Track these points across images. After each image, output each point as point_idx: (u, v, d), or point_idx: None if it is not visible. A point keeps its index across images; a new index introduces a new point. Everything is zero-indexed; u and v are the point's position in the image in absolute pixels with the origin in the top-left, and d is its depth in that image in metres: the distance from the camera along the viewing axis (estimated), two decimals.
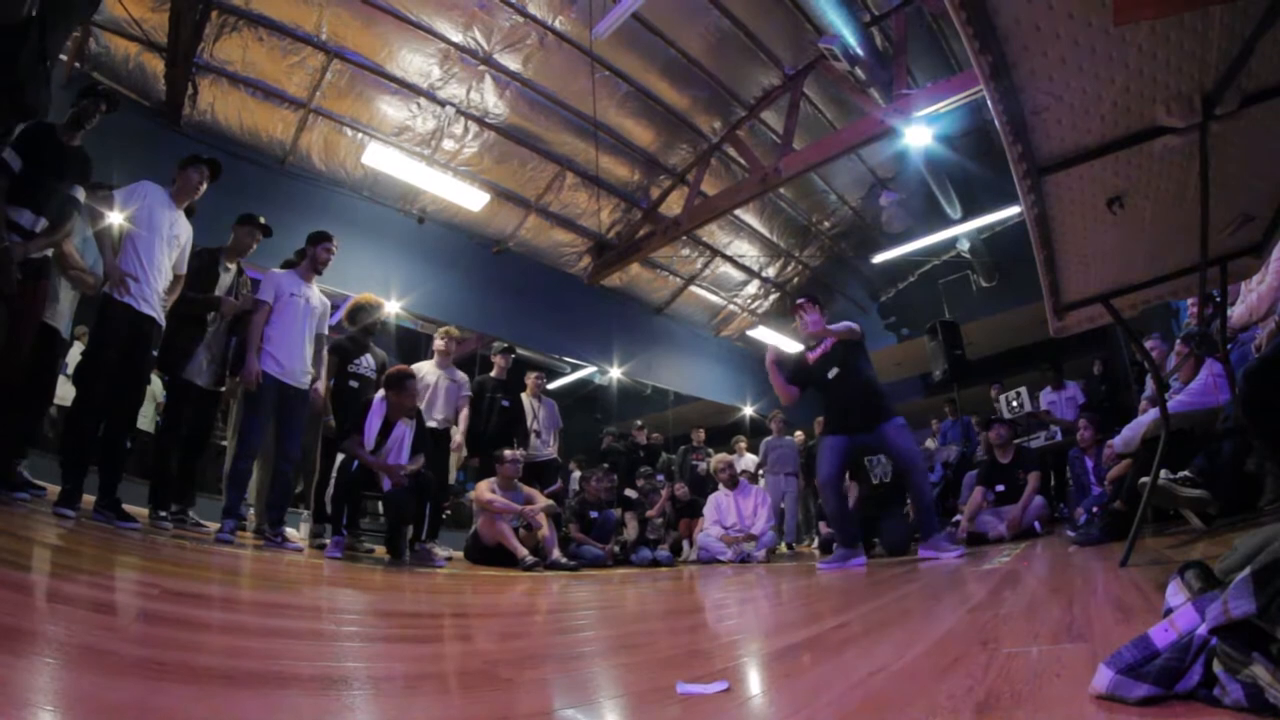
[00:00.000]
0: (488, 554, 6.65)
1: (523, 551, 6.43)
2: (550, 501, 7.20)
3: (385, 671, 1.61)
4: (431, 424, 7.12)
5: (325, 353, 6.11)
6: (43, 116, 3.23)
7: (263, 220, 5.83)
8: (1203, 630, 1.00)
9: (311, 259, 5.94)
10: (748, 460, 11.41)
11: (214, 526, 5.24)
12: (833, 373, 6.01)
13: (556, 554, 6.64)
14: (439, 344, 7.37)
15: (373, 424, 5.97)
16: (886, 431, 5.75)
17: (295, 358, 5.66)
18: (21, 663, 1.15)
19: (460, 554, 7.17)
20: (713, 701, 1.27)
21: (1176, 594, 1.24)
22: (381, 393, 6.07)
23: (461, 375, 7.55)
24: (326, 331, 6.09)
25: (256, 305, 5.61)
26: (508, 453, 7.19)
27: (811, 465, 11.19)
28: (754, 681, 1.57)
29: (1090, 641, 1.54)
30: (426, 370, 7.23)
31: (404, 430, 6.11)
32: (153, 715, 1.02)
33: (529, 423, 8.60)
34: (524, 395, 8.77)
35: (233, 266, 5.79)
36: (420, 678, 1.59)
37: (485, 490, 6.90)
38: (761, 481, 11.07)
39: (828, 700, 1.27)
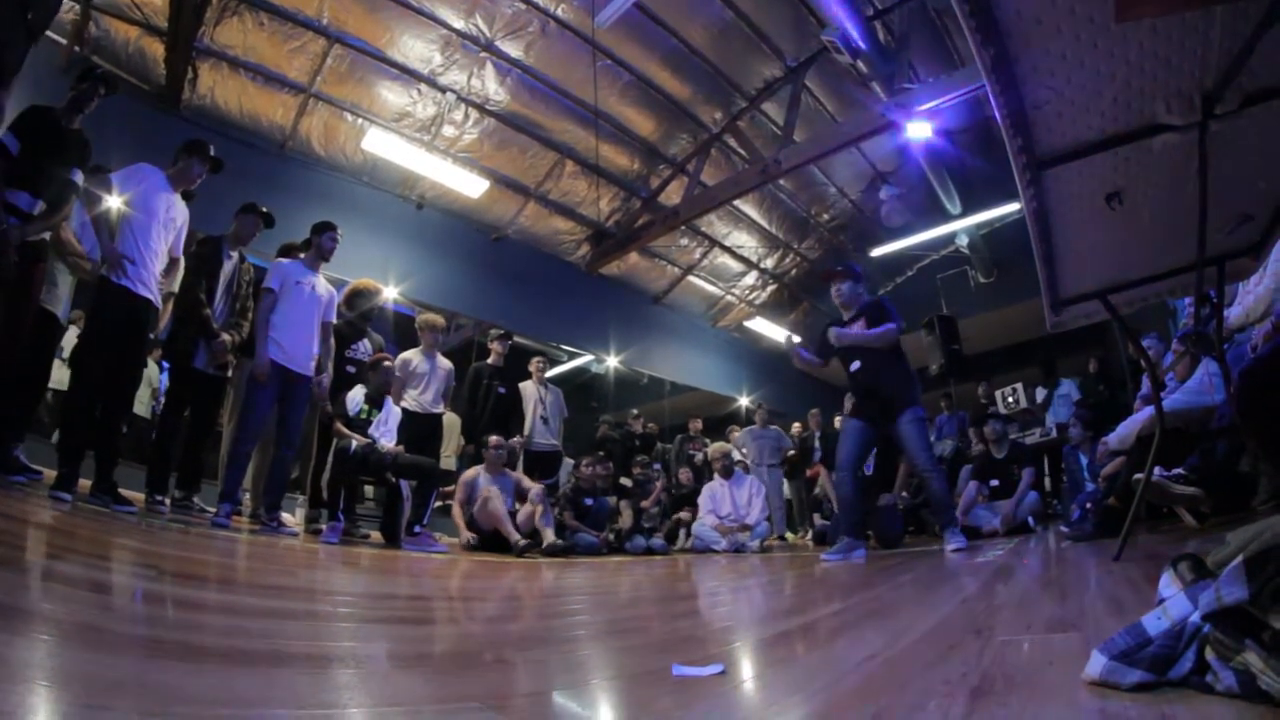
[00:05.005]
0: (483, 539, 6.67)
1: (516, 535, 6.45)
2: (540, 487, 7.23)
3: (382, 652, 1.62)
4: (438, 409, 7.22)
5: (331, 341, 6.12)
6: (13, 75, 3.18)
7: (265, 210, 5.83)
8: (1195, 618, 1.01)
9: (317, 248, 5.98)
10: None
11: (213, 511, 5.26)
12: (855, 365, 5.95)
13: (551, 536, 6.65)
14: (424, 336, 7.36)
15: (355, 399, 6.14)
16: (901, 423, 5.72)
17: (300, 344, 5.69)
18: (19, 640, 1.15)
19: (455, 539, 7.18)
20: (708, 684, 1.28)
21: (1169, 585, 1.26)
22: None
23: (447, 362, 7.53)
24: (333, 319, 6.11)
25: (263, 294, 5.66)
26: (493, 439, 7.23)
27: (807, 457, 11.23)
28: (748, 666, 1.58)
29: (1083, 632, 1.55)
30: (417, 360, 7.23)
31: (390, 408, 6.40)
32: (150, 692, 1.02)
33: (536, 410, 8.62)
34: (530, 382, 8.80)
35: (235, 254, 5.78)
36: (417, 658, 1.60)
37: (467, 483, 7.03)
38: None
39: (822, 684, 1.29)
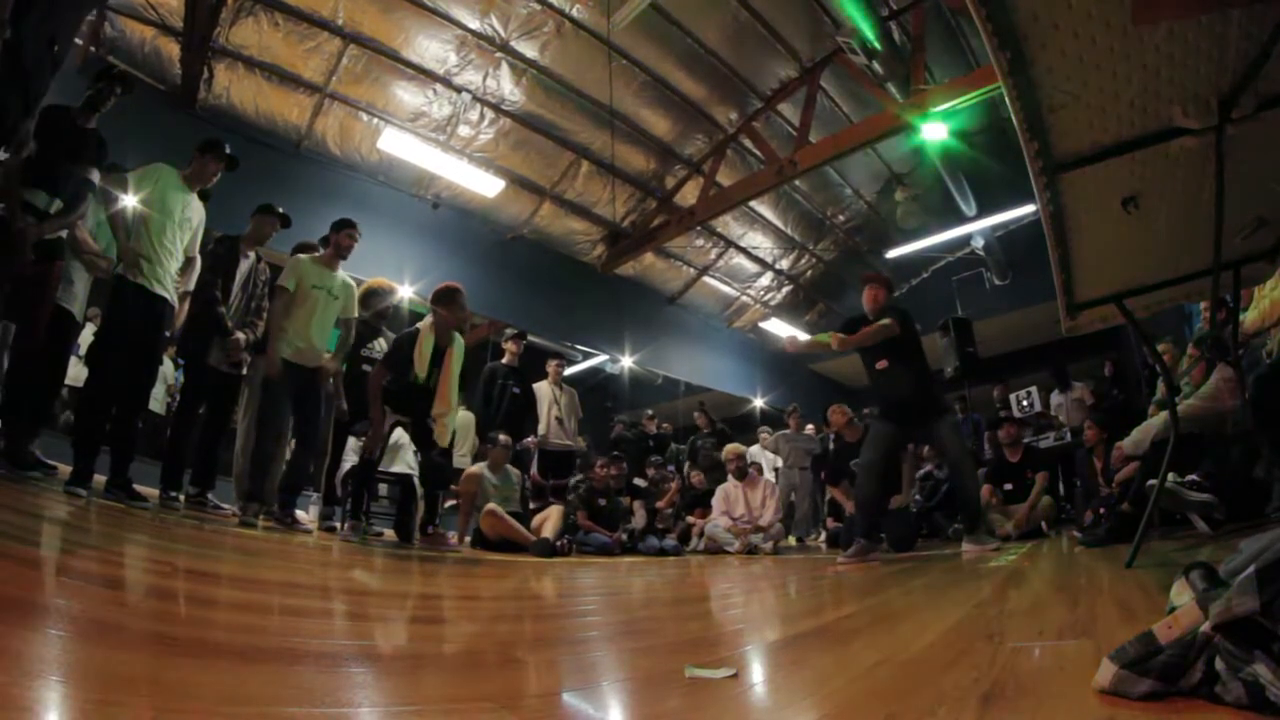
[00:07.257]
0: (491, 545, 6.68)
1: (529, 537, 6.46)
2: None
3: (395, 650, 1.63)
4: None
5: (351, 335, 6.15)
6: (39, 101, 3.24)
7: (281, 211, 5.86)
8: (1206, 628, 1.00)
9: (335, 245, 5.97)
10: (755, 451, 11.39)
11: (229, 508, 5.30)
12: (881, 364, 5.87)
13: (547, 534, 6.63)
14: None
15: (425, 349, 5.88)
16: (939, 428, 5.71)
17: (314, 342, 5.70)
18: (33, 635, 1.15)
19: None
20: (720, 686, 1.29)
21: (1181, 594, 1.25)
22: (429, 319, 6.01)
23: None
24: (356, 314, 6.13)
25: (278, 292, 5.66)
26: (502, 436, 7.24)
27: (828, 458, 11.18)
28: (760, 669, 1.58)
29: (1094, 639, 1.55)
30: None
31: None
32: (164, 688, 1.03)
33: (551, 410, 8.65)
34: (545, 383, 8.85)
35: (251, 254, 5.80)
36: (429, 657, 1.60)
37: (473, 479, 7.02)
38: (774, 474, 11.08)
39: (834, 688, 1.29)
